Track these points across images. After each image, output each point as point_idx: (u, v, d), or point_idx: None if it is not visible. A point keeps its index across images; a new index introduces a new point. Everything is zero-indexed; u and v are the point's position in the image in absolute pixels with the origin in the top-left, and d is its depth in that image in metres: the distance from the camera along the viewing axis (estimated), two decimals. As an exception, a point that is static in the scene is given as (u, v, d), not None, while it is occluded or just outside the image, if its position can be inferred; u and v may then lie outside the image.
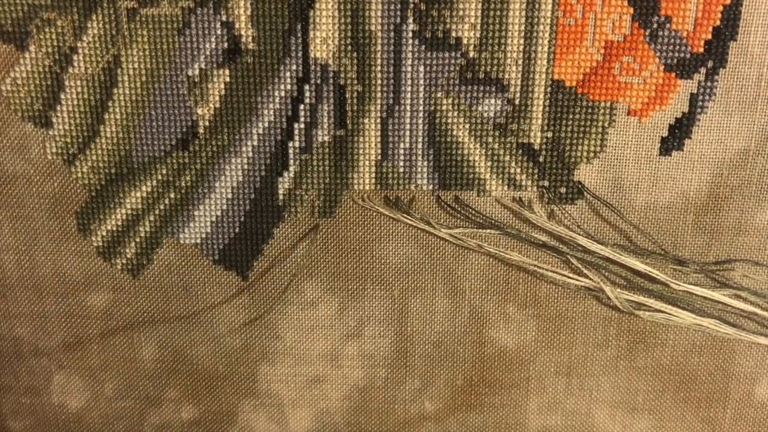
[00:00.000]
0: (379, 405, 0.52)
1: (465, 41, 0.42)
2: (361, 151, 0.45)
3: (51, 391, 0.51)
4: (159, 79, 0.43)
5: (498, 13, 0.41)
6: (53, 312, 0.49)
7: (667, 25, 0.41)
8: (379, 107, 0.44)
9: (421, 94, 0.43)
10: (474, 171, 0.45)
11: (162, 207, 0.46)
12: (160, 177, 0.45)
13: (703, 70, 0.42)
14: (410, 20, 0.42)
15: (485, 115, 0.44)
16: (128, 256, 0.47)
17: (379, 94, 0.43)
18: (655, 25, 0.41)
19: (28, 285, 0.48)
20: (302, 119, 0.44)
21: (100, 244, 0.47)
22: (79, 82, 0.43)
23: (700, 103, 0.43)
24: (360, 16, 0.42)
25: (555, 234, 0.46)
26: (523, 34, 0.42)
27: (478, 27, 0.42)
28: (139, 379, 0.51)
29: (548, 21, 0.42)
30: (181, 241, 0.47)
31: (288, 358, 0.50)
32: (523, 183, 0.46)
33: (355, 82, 0.43)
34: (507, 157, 0.45)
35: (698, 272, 0.47)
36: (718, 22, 0.41)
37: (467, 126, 0.44)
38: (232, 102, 0.43)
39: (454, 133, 0.44)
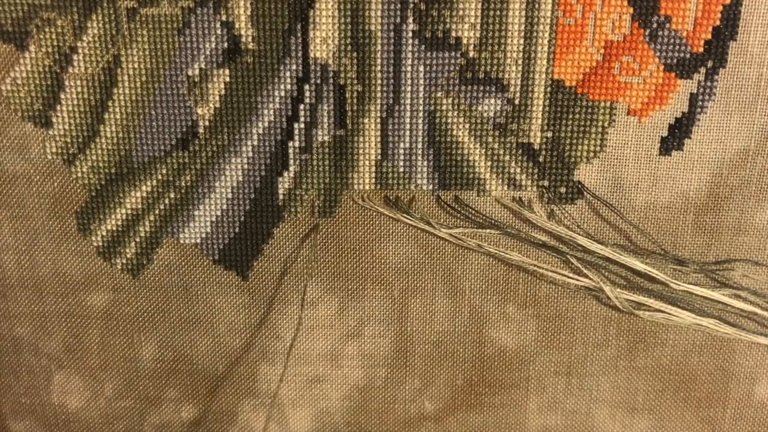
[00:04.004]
0: (379, 405, 0.52)
1: (465, 41, 0.42)
2: (361, 151, 0.45)
3: (51, 391, 0.51)
4: (159, 79, 0.43)
5: (498, 13, 0.41)
6: (53, 312, 0.49)
7: (667, 25, 0.41)
8: (379, 107, 0.44)
9: (421, 94, 0.43)
10: (474, 171, 0.45)
11: (162, 207, 0.46)
12: (160, 177, 0.45)
13: (702, 70, 0.42)
14: (410, 20, 0.42)
15: (485, 115, 0.44)
16: (128, 255, 0.47)
17: (379, 94, 0.43)
18: (654, 25, 0.41)
19: (28, 285, 0.48)
20: (302, 119, 0.44)
21: (100, 243, 0.47)
22: (79, 82, 0.43)
23: (700, 103, 0.43)
24: (360, 16, 0.42)
25: (555, 234, 0.46)
26: (523, 34, 0.42)
27: (478, 27, 0.42)
28: (139, 379, 0.51)
29: (548, 21, 0.42)
30: (181, 241, 0.47)
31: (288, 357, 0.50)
32: (523, 183, 0.46)
33: (355, 82, 0.43)
34: (507, 157, 0.45)
35: (698, 272, 0.47)
36: (717, 22, 0.41)
37: (467, 126, 0.44)
38: (232, 102, 0.43)
39: (454, 133, 0.44)
